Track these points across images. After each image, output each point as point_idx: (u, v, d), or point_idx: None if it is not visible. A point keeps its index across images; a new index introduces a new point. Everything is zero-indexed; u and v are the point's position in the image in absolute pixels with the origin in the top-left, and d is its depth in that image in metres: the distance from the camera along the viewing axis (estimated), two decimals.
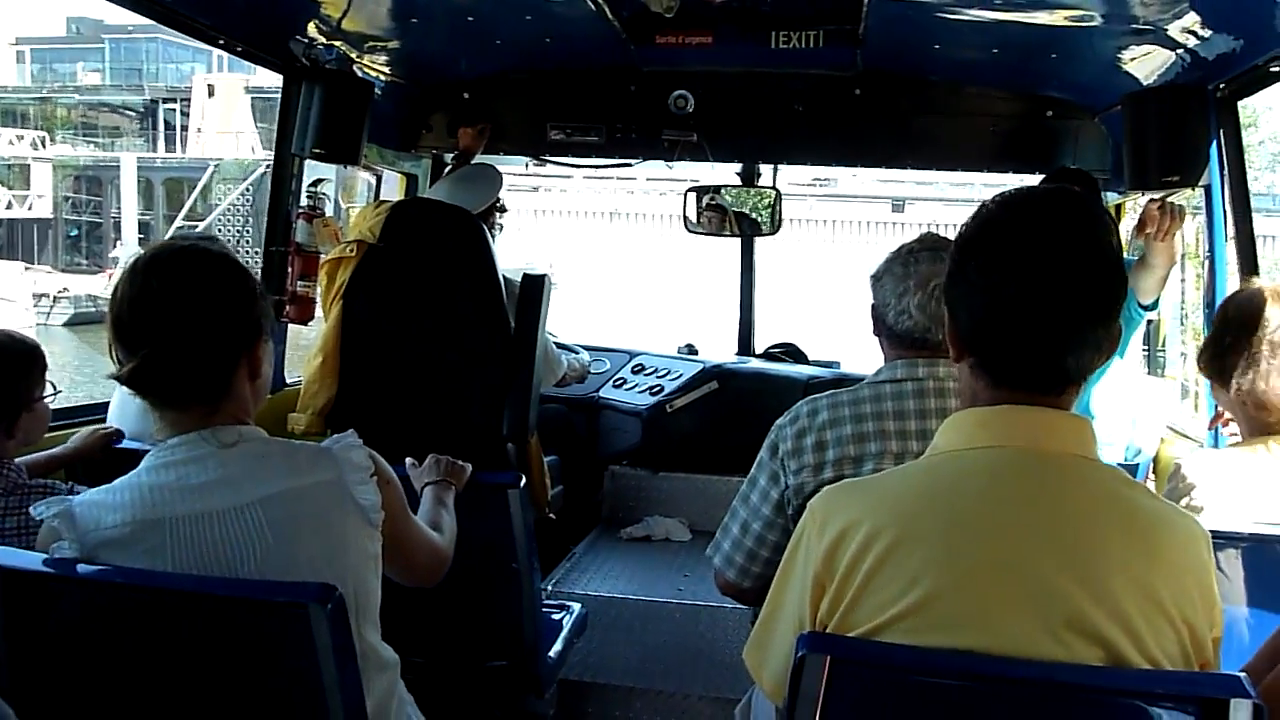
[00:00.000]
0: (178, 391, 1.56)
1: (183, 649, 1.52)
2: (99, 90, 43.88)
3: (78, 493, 1.87)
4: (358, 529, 1.61)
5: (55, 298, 32.56)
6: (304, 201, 3.45)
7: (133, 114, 43.35)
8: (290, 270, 3.38)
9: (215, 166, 38.16)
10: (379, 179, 4.25)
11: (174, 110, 42.50)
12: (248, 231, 37.19)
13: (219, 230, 36.80)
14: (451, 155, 3.94)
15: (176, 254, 1.59)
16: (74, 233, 40.70)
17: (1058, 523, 1.29)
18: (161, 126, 42.87)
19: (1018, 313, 1.31)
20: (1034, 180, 3.53)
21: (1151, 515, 1.33)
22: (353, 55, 3.40)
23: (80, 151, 41.66)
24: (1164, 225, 2.99)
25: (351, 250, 3.06)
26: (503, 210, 3.56)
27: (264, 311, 1.64)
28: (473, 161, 3.79)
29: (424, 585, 1.86)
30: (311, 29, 3.13)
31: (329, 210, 3.51)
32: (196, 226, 36.68)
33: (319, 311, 3.28)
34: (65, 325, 31.35)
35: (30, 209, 38.85)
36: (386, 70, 3.63)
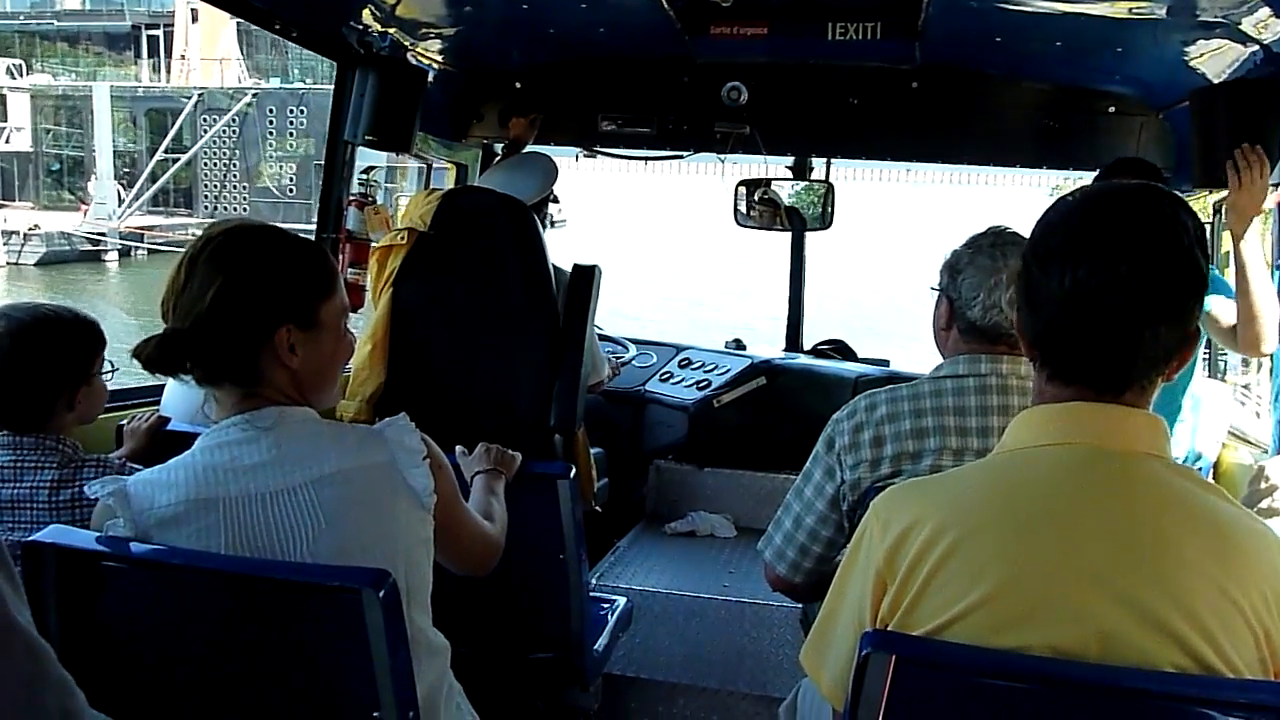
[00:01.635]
0: (183, 369, 1.55)
1: (235, 631, 1.52)
2: (80, 15, 41.49)
3: (129, 471, 1.89)
4: (410, 512, 1.61)
5: (26, 235, 31.56)
6: (355, 188, 3.45)
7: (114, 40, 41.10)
8: (341, 257, 3.39)
9: (200, 96, 36.83)
10: (429, 167, 4.25)
11: (157, 37, 40.27)
12: (235, 165, 36.62)
13: (204, 164, 36.54)
14: (502, 145, 3.93)
15: (211, 237, 1.59)
16: (55, 167, 39.18)
17: (1128, 521, 1.25)
18: (145, 53, 40.68)
19: (1085, 308, 1.28)
20: (1089, 177, 3.46)
21: (1227, 518, 1.28)
22: (406, 42, 3.40)
23: (61, 81, 39.69)
24: (1255, 168, 2.77)
25: (402, 238, 3.06)
26: (555, 201, 3.54)
27: (302, 296, 1.60)
28: (524, 150, 3.78)
29: (475, 574, 1.85)
30: (366, 15, 3.13)
31: (379, 198, 3.51)
32: (180, 158, 36.38)
33: (368, 300, 3.29)
34: (37, 264, 30.67)
35: (8, 142, 37.25)
36: (439, 58, 3.62)
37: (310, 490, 1.53)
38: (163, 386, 2.74)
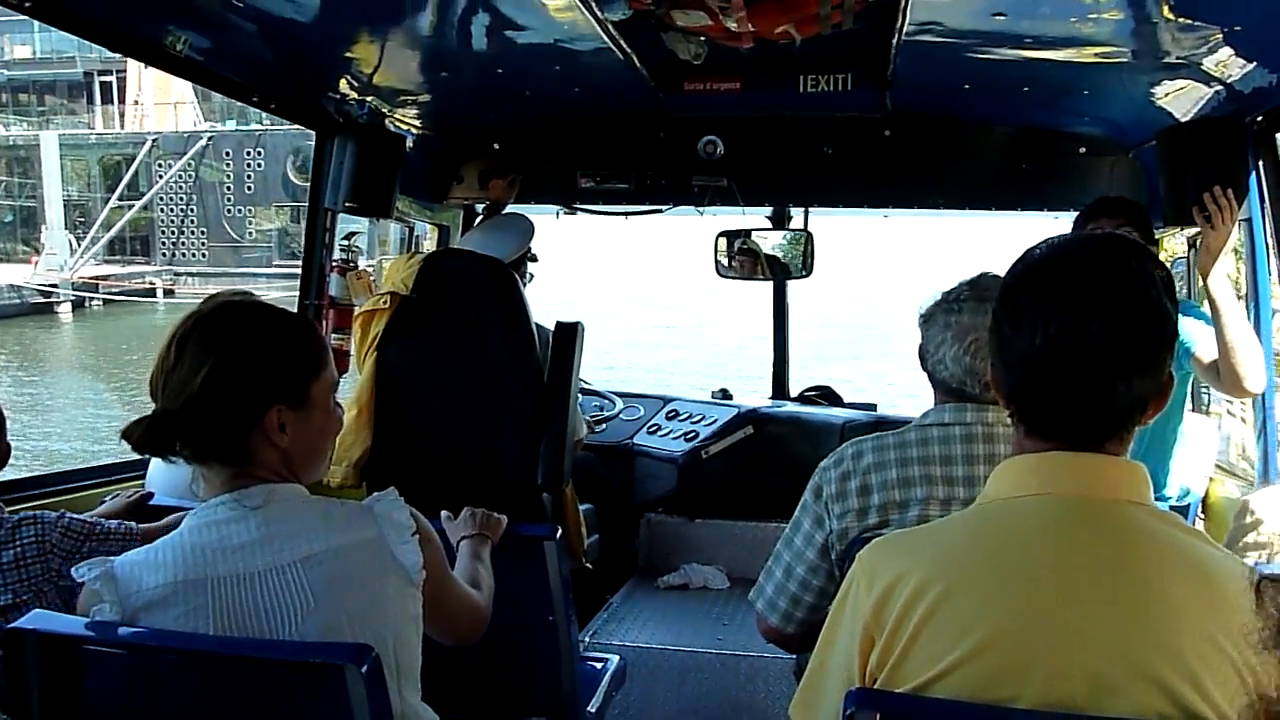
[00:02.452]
0: (173, 451, 1.54)
1: (219, 712, 1.50)
2: (30, 64, 39.88)
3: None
4: (399, 589, 1.60)
5: None
6: (337, 254, 3.47)
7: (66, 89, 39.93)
8: (325, 322, 3.40)
9: (154, 141, 35.92)
10: (412, 230, 4.28)
11: (110, 83, 39.16)
12: (192, 210, 35.73)
13: (160, 210, 35.70)
14: (483, 206, 3.96)
15: (201, 315, 1.59)
16: (9, 219, 38.11)
17: (1113, 570, 1.25)
18: (99, 100, 39.65)
19: (1058, 366, 1.29)
20: (1068, 217, 3.49)
21: (1213, 563, 1.29)
22: (384, 109, 3.44)
23: (12, 131, 38.70)
24: (1224, 212, 2.82)
25: (385, 302, 3.07)
26: (534, 259, 3.56)
27: (293, 376, 1.60)
28: (504, 211, 3.81)
29: (462, 644, 1.83)
30: (343, 85, 3.17)
31: (361, 262, 3.53)
32: (134, 204, 35.29)
33: (353, 364, 3.29)
34: None
35: None
36: (417, 123, 3.66)
37: (299, 569, 1.52)
38: (148, 461, 2.73)
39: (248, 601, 1.50)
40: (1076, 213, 3.24)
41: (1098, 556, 1.26)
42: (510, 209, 3.83)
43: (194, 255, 36.26)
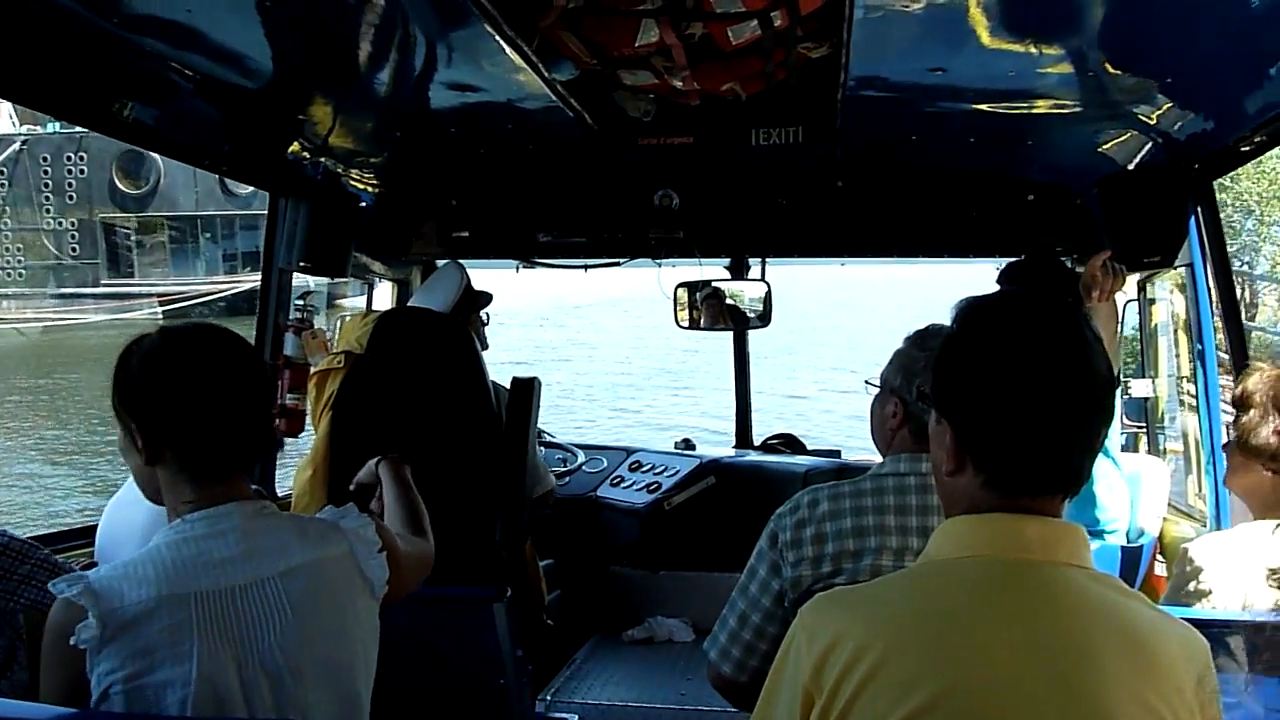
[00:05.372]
0: (224, 462, 1.63)
1: None
2: None
3: None
4: (366, 604, 1.69)
5: None
6: (293, 314, 3.46)
7: None
8: (280, 383, 3.37)
9: None
10: (371, 287, 4.28)
11: None
12: (4, 222, 32.31)
13: None
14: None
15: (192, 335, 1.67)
16: None
17: (1050, 637, 1.26)
18: None
19: (1037, 418, 1.31)
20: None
21: (1148, 626, 1.30)
22: (338, 170, 3.45)
23: None
24: (1106, 286, 2.90)
25: (340, 361, 3.07)
26: (485, 324, 3.54)
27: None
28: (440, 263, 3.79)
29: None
30: (296, 147, 3.18)
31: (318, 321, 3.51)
32: None
33: (308, 424, 3.27)
34: None
35: None
36: (374, 182, 3.68)
37: (277, 583, 1.59)
38: (94, 529, 2.68)
39: (230, 614, 1.55)
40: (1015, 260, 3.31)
41: (1034, 623, 1.27)
42: (466, 264, 3.83)
43: (8, 273, 32.44)
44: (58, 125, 30.84)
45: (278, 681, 1.57)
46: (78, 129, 27.74)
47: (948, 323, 1.50)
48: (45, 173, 32.01)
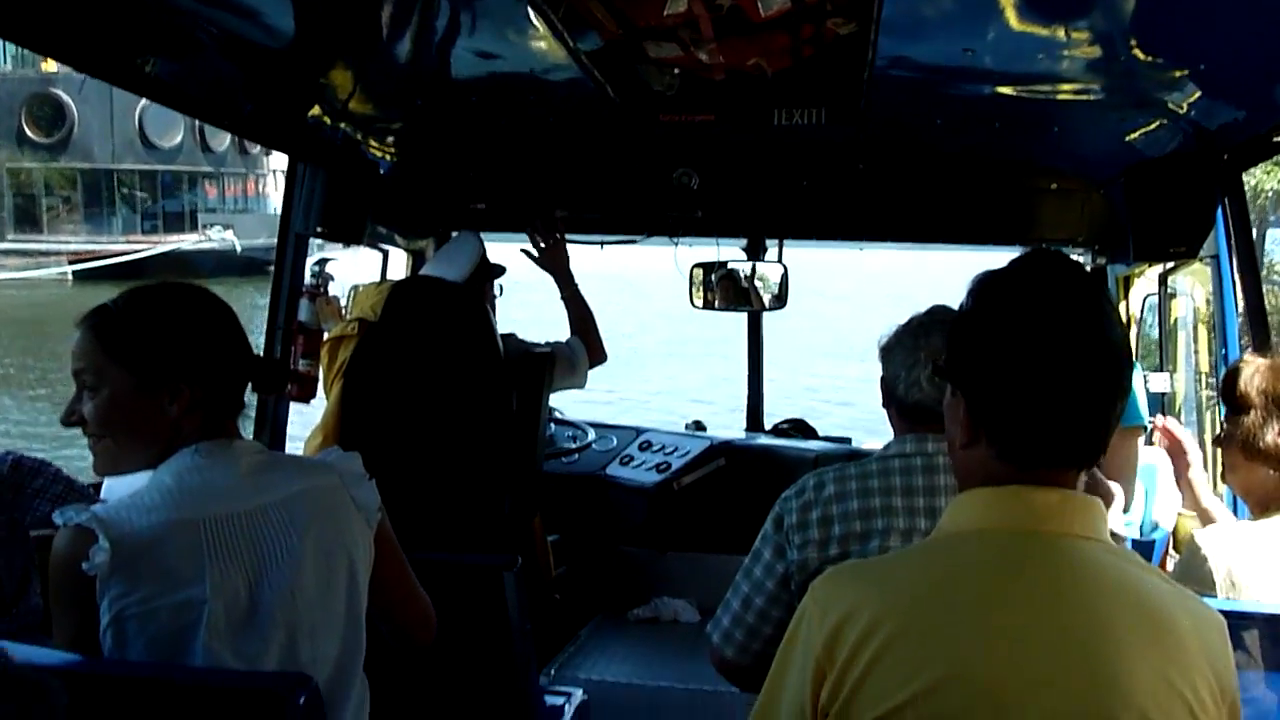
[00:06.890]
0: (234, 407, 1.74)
1: None
2: None
3: None
4: (361, 529, 1.76)
5: None
6: (308, 279, 3.45)
7: None
8: (294, 349, 3.37)
9: None
10: (386, 256, 4.26)
11: None
12: None
13: None
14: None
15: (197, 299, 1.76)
16: None
17: (1068, 610, 1.25)
18: None
19: (1053, 388, 1.29)
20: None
21: (1165, 600, 1.28)
22: (358, 136, 3.43)
23: None
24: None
25: (353, 329, 3.06)
26: (499, 294, 3.53)
27: None
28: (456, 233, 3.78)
29: (414, 638, 1.92)
30: (317, 110, 3.16)
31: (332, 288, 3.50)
32: None
33: (320, 391, 3.27)
34: None
35: None
36: (392, 150, 3.66)
37: (280, 508, 1.66)
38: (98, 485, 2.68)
39: (238, 538, 1.60)
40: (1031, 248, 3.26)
41: (1051, 597, 1.26)
42: (483, 236, 3.82)
43: None
44: None
45: (285, 602, 1.62)
46: None
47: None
48: None
